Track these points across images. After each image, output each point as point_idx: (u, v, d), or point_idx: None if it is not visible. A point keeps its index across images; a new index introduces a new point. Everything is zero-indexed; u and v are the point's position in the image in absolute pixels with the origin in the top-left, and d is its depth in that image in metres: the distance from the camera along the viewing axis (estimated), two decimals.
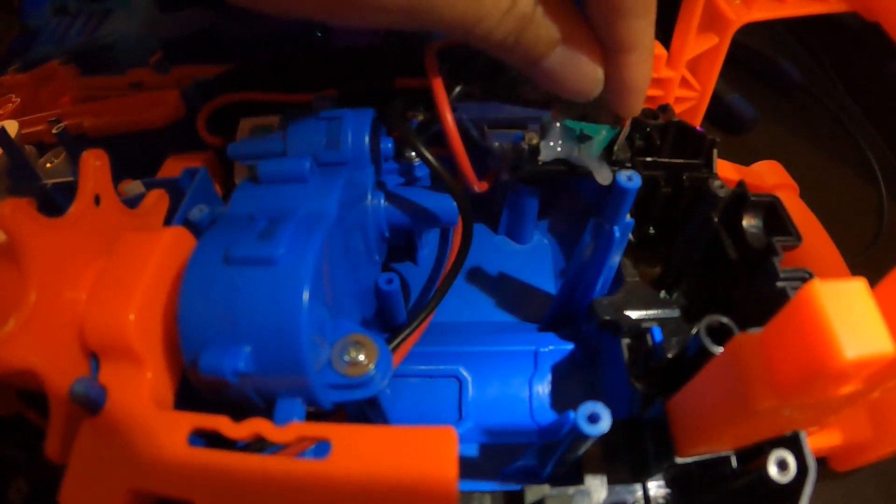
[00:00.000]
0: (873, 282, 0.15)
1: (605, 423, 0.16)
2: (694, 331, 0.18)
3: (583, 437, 0.16)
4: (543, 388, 0.27)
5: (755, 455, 0.17)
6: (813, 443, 0.16)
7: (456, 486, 0.15)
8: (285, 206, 0.19)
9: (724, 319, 0.19)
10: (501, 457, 0.25)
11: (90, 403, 0.20)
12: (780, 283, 0.21)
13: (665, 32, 0.33)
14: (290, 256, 0.17)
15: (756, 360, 0.13)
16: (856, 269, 0.32)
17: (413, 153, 0.28)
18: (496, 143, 0.28)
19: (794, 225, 0.23)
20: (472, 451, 0.26)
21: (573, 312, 0.29)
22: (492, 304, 0.32)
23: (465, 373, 0.28)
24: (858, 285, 0.12)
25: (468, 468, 0.25)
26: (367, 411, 0.22)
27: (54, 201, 0.32)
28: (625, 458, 0.21)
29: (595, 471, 0.21)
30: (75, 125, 0.36)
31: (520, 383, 0.28)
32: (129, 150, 0.36)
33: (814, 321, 0.12)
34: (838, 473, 0.29)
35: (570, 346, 0.28)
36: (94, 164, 0.22)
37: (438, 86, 0.24)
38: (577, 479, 0.21)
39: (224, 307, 0.17)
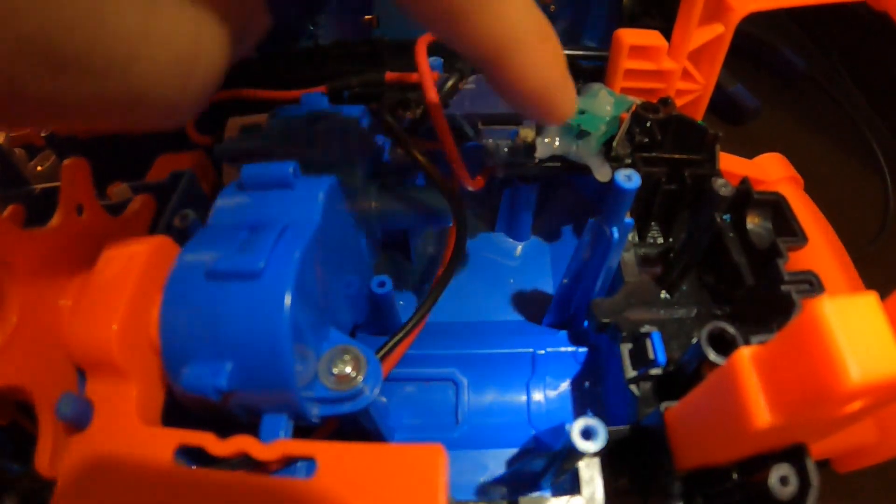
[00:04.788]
0: (880, 273, 0.14)
1: (599, 440, 0.15)
2: (694, 339, 0.18)
3: (577, 452, 0.16)
4: (541, 392, 0.27)
5: (757, 466, 0.17)
6: (815, 445, 0.16)
7: None
8: (268, 214, 0.19)
9: (727, 327, 0.18)
10: (498, 463, 0.25)
11: (77, 419, 0.19)
12: (784, 287, 0.21)
13: (666, 23, 0.32)
14: (271, 269, 0.16)
15: (758, 379, 0.13)
16: (861, 261, 0.32)
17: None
18: (490, 140, 0.27)
19: (800, 224, 0.23)
20: (468, 456, 0.25)
21: (572, 313, 0.28)
22: (489, 303, 0.31)
23: (461, 376, 0.27)
24: (868, 300, 0.11)
25: (463, 475, 0.24)
26: (359, 419, 0.22)
27: (43, 207, 0.31)
28: (625, 465, 0.21)
29: (593, 480, 0.20)
30: (64, 127, 0.36)
31: (517, 387, 0.27)
32: (119, 151, 0.36)
33: (820, 341, 0.11)
34: (839, 473, 0.28)
35: (568, 349, 0.27)
36: (75, 173, 0.22)
37: (428, 80, 0.24)
38: (575, 488, 0.20)
39: (205, 322, 0.16)
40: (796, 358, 0.12)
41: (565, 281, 0.26)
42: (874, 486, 0.32)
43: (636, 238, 0.28)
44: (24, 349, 0.21)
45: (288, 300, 0.16)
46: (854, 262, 0.32)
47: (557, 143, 0.27)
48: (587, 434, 0.16)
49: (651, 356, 0.21)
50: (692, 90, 0.34)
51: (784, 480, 0.15)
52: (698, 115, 0.35)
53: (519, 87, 0.16)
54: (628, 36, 0.30)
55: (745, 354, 0.13)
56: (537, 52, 0.16)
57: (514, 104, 0.18)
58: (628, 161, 0.27)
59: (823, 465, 0.28)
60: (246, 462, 0.17)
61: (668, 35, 0.31)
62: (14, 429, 0.26)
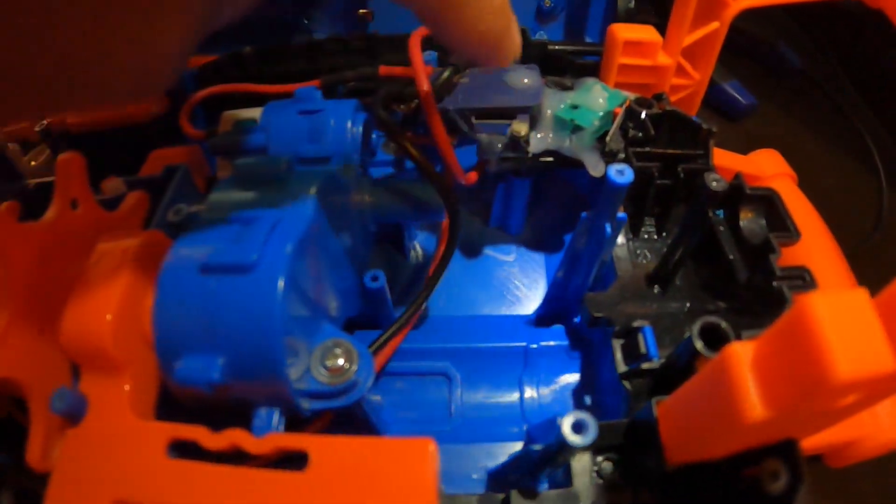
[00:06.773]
0: (873, 270, 0.14)
1: (589, 434, 0.15)
2: (686, 334, 0.18)
3: (568, 446, 0.16)
4: (533, 386, 0.27)
5: (747, 461, 0.17)
6: (807, 440, 0.16)
7: (434, 499, 0.15)
8: (262, 208, 0.19)
9: (719, 322, 0.18)
10: (491, 456, 0.25)
11: (71, 413, 0.19)
12: (777, 282, 0.21)
13: (661, 18, 0.32)
14: (263, 262, 0.16)
15: (749, 373, 0.13)
16: (854, 258, 0.32)
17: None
18: (484, 135, 0.27)
19: (792, 219, 0.23)
20: (461, 451, 0.25)
21: (565, 307, 0.28)
22: (482, 298, 0.31)
23: (454, 371, 0.27)
24: (859, 296, 0.11)
25: (456, 468, 0.25)
26: (353, 412, 0.22)
27: (38, 202, 0.31)
28: (616, 460, 0.21)
29: (585, 473, 0.20)
30: (58, 122, 0.35)
31: (510, 381, 0.27)
32: (113, 146, 0.36)
33: (809, 336, 0.11)
34: (832, 468, 0.28)
35: (561, 343, 0.27)
36: (70, 168, 0.22)
37: (421, 74, 0.24)
38: (567, 483, 0.21)
39: (198, 315, 0.16)
40: (787, 352, 0.12)
41: (559, 275, 0.27)
42: (869, 483, 0.32)
43: (630, 233, 0.28)
44: (18, 342, 0.21)
45: (279, 293, 0.16)
46: (848, 259, 0.32)
47: (551, 138, 0.27)
48: (578, 428, 0.16)
49: (643, 350, 0.21)
50: (687, 86, 0.34)
51: (775, 475, 0.15)
52: (693, 111, 0.35)
53: (467, 35, 0.20)
54: (623, 31, 0.30)
55: (737, 348, 0.13)
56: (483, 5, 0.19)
57: (464, 50, 0.22)
58: (622, 156, 0.27)
59: (816, 460, 0.28)
60: (238, 455, 0.17)
61: (662, 31, 0.31)
62: (8, 423, 0.26)
